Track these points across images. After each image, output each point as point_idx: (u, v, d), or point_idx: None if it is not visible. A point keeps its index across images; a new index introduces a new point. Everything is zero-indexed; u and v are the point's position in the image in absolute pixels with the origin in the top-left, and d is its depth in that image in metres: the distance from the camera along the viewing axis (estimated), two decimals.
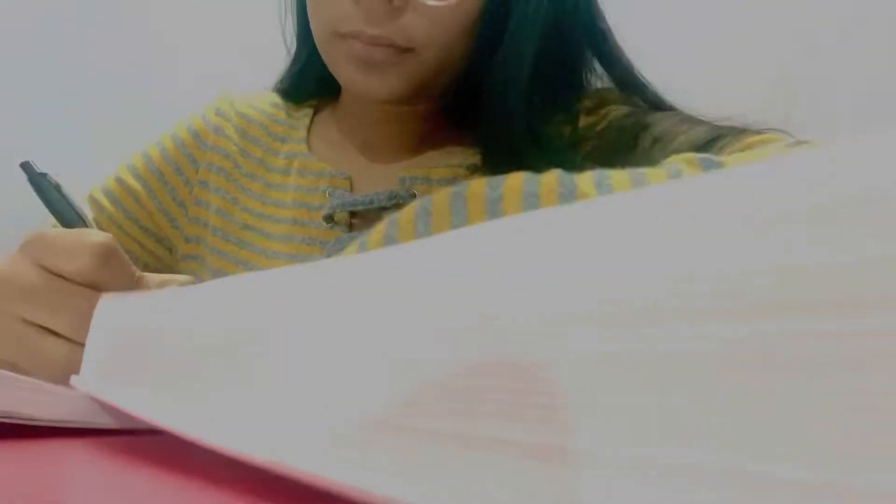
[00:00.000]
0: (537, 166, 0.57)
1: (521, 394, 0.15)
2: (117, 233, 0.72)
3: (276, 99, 0.77)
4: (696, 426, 0.12)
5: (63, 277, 0.44)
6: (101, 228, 0.68)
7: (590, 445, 0.13)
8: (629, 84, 0.68)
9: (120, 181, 0.74)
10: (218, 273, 0.70)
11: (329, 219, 0.67)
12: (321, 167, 0.70)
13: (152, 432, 0.26)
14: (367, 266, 0.21)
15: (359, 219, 0.68)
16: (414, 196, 0.66)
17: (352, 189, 0.69)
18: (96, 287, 0.43)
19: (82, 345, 0.41)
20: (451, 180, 0.66)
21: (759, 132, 0.57)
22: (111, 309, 0.36)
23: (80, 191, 0.72)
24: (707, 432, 0.12)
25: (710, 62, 1.05)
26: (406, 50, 0.59)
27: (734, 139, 0.56)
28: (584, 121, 0.67)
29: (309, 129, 0.74)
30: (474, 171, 0.68)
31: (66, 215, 0.52)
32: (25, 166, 0.52)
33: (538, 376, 0.14)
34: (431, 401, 0.16)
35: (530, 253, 0.16)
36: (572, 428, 0.14)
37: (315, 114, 0.76)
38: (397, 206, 0.65)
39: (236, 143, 0.74)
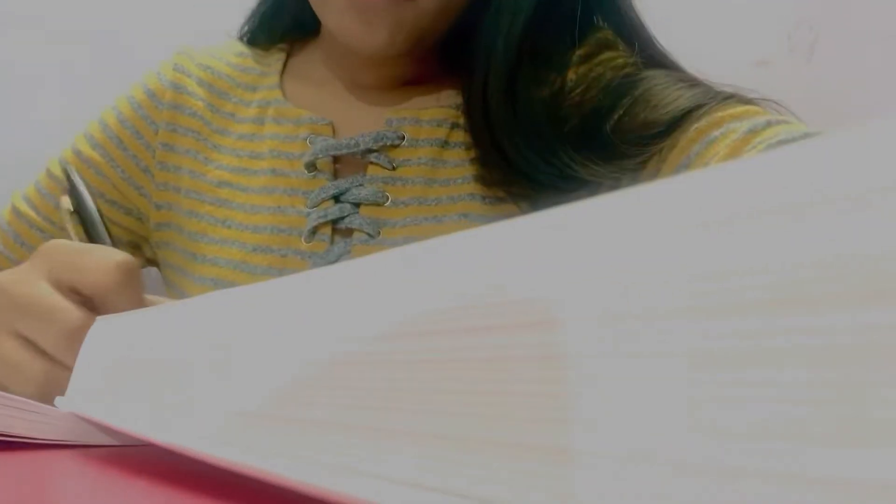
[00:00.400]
0: (510, 133, 0.59)
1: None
2: None
3: (242, 47, 0.73)
4: None
5: (76, 292, 0.42)
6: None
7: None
8: (630, 36, 0.65)
9: (77, 153, 0.70)
10: (195, 236, 0.67)
11: (311, 166, 0.64)
12: (299, 113, 0.66)
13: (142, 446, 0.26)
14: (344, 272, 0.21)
15: (342, 164, 0.65)
16: (402, 138, 0.63)
17: (334, 134, 0.65)
18: (103, 306, 0.42)
19: (62, 365, 0.40)
20: (442, 121, 0.64)
21: (746, 101, 0.57)
22: (109, 329, 0.35)
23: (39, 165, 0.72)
24: None
25: (729, 4, 1.01)
26: None
27: (716, 107, 0.55)
28: (575, 72, 0.63)
29: (282, 74, 0.70)
30: (464, 112, 0.64)
31: (97, 229, 0.51)
32: (69, 173, 0.51)
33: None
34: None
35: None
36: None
37: (288, 57, 0.71)
38: (384, 149, 0.63)
39: (202, 99, 0.70)
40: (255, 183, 0.66)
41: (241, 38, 0.74)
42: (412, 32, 0.58)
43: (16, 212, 0.70)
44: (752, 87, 0.99)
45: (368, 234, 0.61)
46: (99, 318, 0.36)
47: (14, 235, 0.69)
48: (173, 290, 0.69)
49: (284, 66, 0.70)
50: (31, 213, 0.69)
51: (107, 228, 0.52)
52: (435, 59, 0.66)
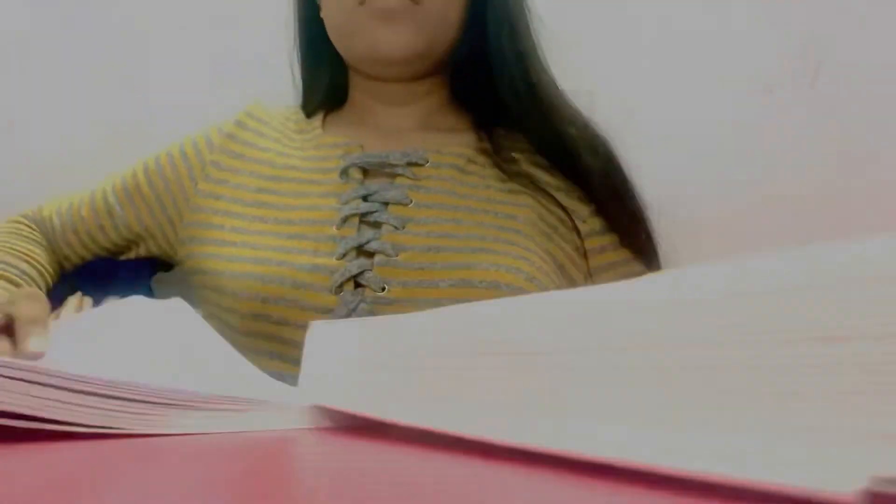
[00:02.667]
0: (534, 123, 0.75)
1: None
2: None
3: (292, 113, 0.86)
4: None
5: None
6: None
7: None
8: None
9: (135, 173, 0.83)
10: (239, 229, 0.74)
11: (344, 173, 0.74)
12: (335, 140, 0.78)
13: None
14: None
15: (370, 176, 0.74)
16: (426, 161, 0.74)
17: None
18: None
19: None
20: (459, 154, 0.76)
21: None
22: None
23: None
24: None
25: (740, 23, 1.03)
26: (415, 2, 0.71)
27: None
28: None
29: (323, 123, 0.83)
30: (480, 152, 0.77)
31: None
32: None
33: None
34: None
35: None
36: None
37: (325, 118, 0.84)
38: (409, 166, 0.74)
39: (251, 143, 0.81)
40: (291, 188, 0.75)
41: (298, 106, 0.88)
42: (423, 32, 0.73)
43: (60, 210, 0.84)
44: (758, 113, 1.01)
45: (395, 227, 0.70)
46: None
47: (51, 224, 0.84)
48: (203, 291, 0.75)
49: (323, 122, 0.83)
50: (71, 218, 0.84)
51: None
52: (446, 103, 0.81)
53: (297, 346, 0.59)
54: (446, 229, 0.70)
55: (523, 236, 0.71)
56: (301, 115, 0.85)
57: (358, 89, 0.82)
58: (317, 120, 0.83)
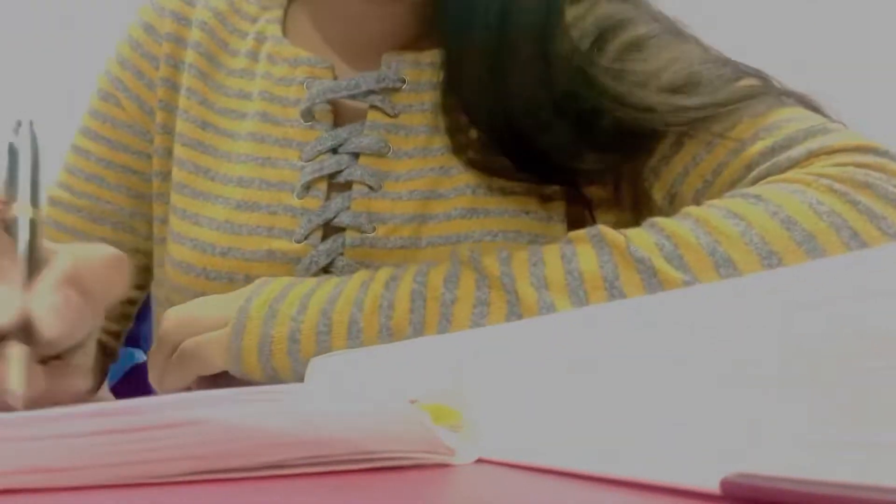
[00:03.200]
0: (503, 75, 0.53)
1: None
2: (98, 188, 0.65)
3: None
4: None
5: None
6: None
7: None
8: None
9: (92, 112, 0.66)
10: (179, 187, 0.61)
11: (308, 114, 0.59)
12: (297, 53, 0.61)
13: None
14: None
15: (341, 113, 0.59)
16: (403, 81, 0.59)
17: (334, 78, 0.60)
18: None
19: None
20: (441, 64, 0.59)
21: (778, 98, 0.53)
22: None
23: None
24: None
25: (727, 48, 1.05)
26: None
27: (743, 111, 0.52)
28: (569, 11, 0.57)
29: (285, 13, 0.65)
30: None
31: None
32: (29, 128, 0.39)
33: None
34: None
35: None
36: None
37: (288, 3, 0.66)
38: (386, 92, 0.58)
39: (204, 26, 0.64)
40: (242, 129, 0.61)
41: None
42: None
43: (52, 201, 0.66)
44: None
45: (369, 187, 0.57)
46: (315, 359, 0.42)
47: (56, 224, 0.65)
48: (163, 253, 0.63)
49: (286, 9, 0.65)
50: (66, 197, 0.66)
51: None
52: (422, 21, 0.61)
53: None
54: (432, 184, 0.57)
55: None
56: None
57: None
58: (276, 7, 0.65)
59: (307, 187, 0.57)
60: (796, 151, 0.50)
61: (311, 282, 0.52)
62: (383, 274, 0.50)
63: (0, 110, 1.10)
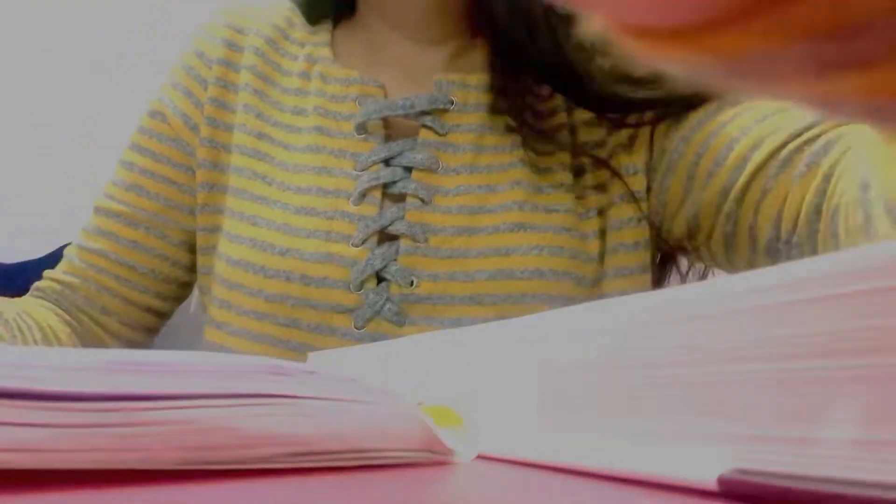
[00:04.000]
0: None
1: None
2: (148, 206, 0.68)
3: (291, 9, 0.72)
4: None
5: None
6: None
7: None
8: None
9: (140, 129, 0.70)
10: (236, 192, 0.65)
11: (362, 128, 0.63)
12: (347, 73, 0.65)
13: None
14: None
15: (393, 128, 0.64)
16: (451, 103, 0.63)
17: (385, 96, 0.65)
18: None
19: None
20: (488, 86, 0.64)
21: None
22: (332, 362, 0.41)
23: None
24: None
25: None
26: None
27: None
28: None
29: (332, 37, 0.69)
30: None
31: None
32: None
33: None
34: None
35: None
36: None
37: (333, 28, 0.70)
38: (436, 112, 0.62)
39: (256, 50, 0.68)
40: (300, 141, 0.64)
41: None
42: None
43: (95, 209, 0.70)
44: None
45: (422, 200, 0.60)
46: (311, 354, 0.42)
47: (94, 228, 0.69)
48: (209, 262, 0.66)
49: (332, 34, 0.69)
50: (108, 204, 0.69)
51: None
52: (471, 35, 0.66)
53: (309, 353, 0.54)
54: (479, 200, 0.60)
55: (564, 190, 0.61)
56: (297, 19, 0.71)
57: (367, 4, 0.68)
58: (323, 32, 0.69)
59: (363, 195, 0.60)
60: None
61: None
62: None
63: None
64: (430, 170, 0.61)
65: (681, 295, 0.23)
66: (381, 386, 0.27)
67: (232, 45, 0.68)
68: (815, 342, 0.18)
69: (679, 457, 0.21)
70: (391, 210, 0.60)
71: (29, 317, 0.62)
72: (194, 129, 0.68)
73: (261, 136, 0.65)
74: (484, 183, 0.61)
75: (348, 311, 0.58)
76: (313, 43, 0.68)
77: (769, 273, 0.21)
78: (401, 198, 0.61)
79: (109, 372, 0.21)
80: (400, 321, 0.58)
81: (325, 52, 0.67)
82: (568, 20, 0.57)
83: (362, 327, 0.59)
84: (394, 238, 0.60)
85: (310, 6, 0.70)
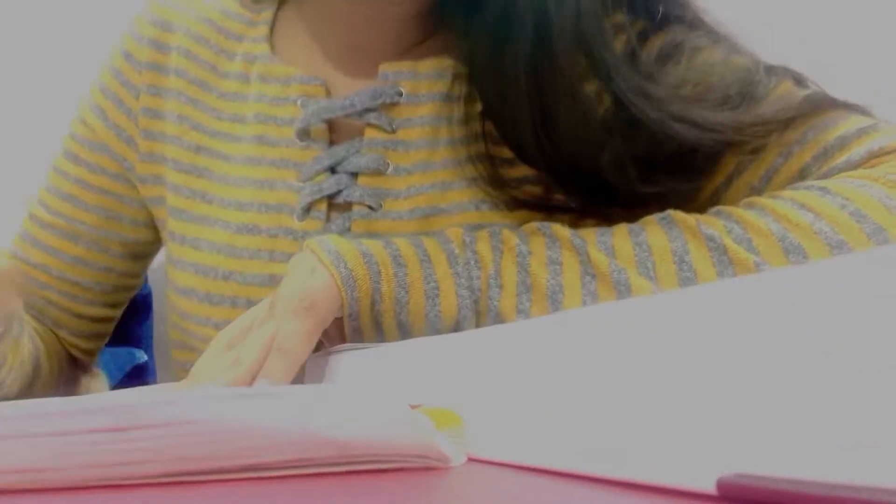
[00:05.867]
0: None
1: None
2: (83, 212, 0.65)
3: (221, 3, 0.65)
4: None
5: None
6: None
7: None
8: None
9: (72, 135, 0.66)
10: (175, 212, 0.61)
11: (304, 134, 0.58)
12: (289, 72, 0.59)
13: None
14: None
15: (337, 130, 0.58)
16: (400, 94, 0.57)
17: (328, 96, 0.59)
18: None
19: None
20: (442, 72, 0.57)
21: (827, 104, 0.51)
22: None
23: None
24: None
25: None
26: None
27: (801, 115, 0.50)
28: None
29: (271, 29, 0.63)
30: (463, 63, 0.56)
31: None
32: None
33: None
34: None
35: None
36: None
37: (277, 10, 0.63)
38: (383, 108, 0.57)
39: (184, 51, 0.63)
40: (238, 151, 0.60)
41: None
42: None
43: (31, 216, 0.67)
44: None
45: (370, 207, 0.56)
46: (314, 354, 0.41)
47: (31, 240, 0.66)
48: (168, 279, 0.63)
49: (273, 19, 0.63)
50: (43, 214, 0.66)
51: None
52: (426, 22, 0.59)
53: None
54: (433, 200, 0.56)
55: (531, 182, 0.55)
56: (232, 6, 0.64)
57: None
58: (264, 11, 0.63)
59: (307, 209, 0.56)
60: (855, 154, 0.49)
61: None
62: (455, 235, 0.49)
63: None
64: (379, 172, 0.56)
65: (678, 298, 0.23)
66: (377, 391, 0.27)
67: (159, 47, 0.63)
68: (814, 343, 0.18)
69: (678, 460, 0.21)
70: (337, 222, 0.56)
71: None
72: (129, 142, 0.64)
73: (198, 149, 0.61)
74: (438, 180, 0.56)
75: None
76: (251, 38, 0.62)
77: (769, 275, 0.21)
78: (348, 206, 0.56)
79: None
80: (358, 338, 0.53)
81: (264, 47, 0.61)
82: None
83: (318, 348, 0.54)
84: None
85: None
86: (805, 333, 0.19)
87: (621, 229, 0.48)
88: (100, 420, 0.20)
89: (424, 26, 0.59)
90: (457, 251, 0.48)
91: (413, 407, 0.32)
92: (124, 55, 0.64)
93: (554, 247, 0.47)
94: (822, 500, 0.17)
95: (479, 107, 0.56)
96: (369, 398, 0.26)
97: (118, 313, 0.71)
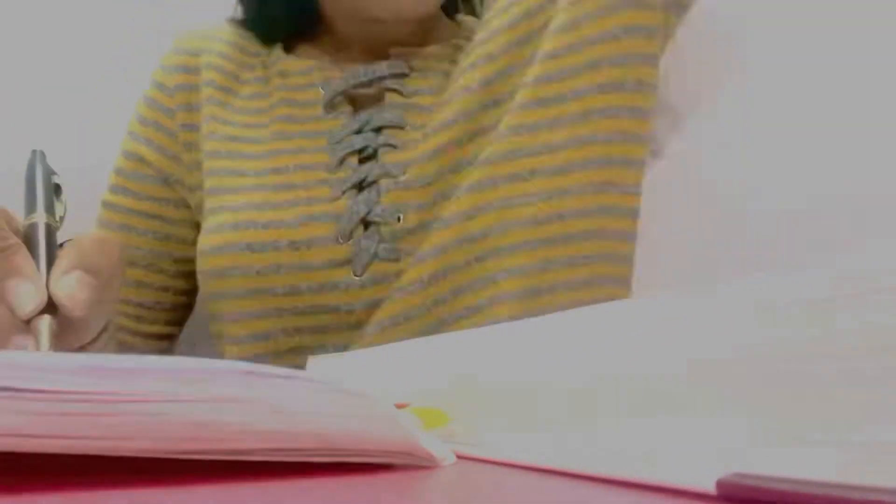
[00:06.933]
0: None
1: None
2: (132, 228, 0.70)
3: (241, 31, 0.73)
4: None
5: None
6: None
7: None
8: None
9: (118, 171, 0.71)
10: (212, 190, 0.65)
11: (330, 106, 0.65)
12: (307, 63, 0.68)
13: None
14: None
15: (359, 103, 0.66)
16: (411, 69, 0.66)
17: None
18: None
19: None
20: (441, 56, 0.67)
21: None
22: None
23: None
24: None
25: None
26: None
27: None
28: None
29: (285, 49, 0.71)
30: (457, 49, 0.67)
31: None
32: (40, 156, 0.49)
33: None
34: None
35: None
36: None
37: (286, 51, 0.71)
38: (396, 77, 0.65)
39: (212, 66, 0.69)
40: (269, 133, 0.65)
41: (240, 22, 0.73)
42: None
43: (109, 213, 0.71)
44: None
45: (393, 146, 0.62)
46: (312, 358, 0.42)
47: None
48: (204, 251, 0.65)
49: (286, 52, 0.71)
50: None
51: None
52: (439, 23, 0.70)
53: (320, 319, 0.57)
54: (450, 156, 0.61)
55: (527, 131, 0.61)
56: (246, 36, 0.72)
57: (342, 20, 0.69)
58: (276, 48, 0.71)
59: (340, 162, 0.62)
60: None
61: None
62: None
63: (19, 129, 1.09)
64: (399, 126, 0.63)
65: (675, 301, 0.23)
66: (372, 390, 0.27)
67: (188, 70, 0.70)
68: (813, 344, 0.18)
69: (677, 460, 0.20)
70: (367, 166, 0.61)
71: None
72: (174, 159, 0.69)
73: (229, 138, 0.66)
74: (453, 138, 0.61)
75: (345, 262, 0.59)
76: (268, 51, 0.70)
77: (769, 277, 0.21)
78: (374, 156, 0.62)
79: (82, 373, 0.21)
80: (395, 257, 0.60)
81: (279, 52, 0.70)
82: None
83: (362, 273, 0.59)
84: (373, 184, 0.61)
85: (263, 29, 0.71)
86: (802, 334, 0.19)
87: None
88: (81, 381, 0.21)
89: (430, 21, 0.68)
90: None
91: (401, 406, 0.32)
92: (157, 86, 0.71)
93: None
94: (822, 500, 0.17)
95: (478, 74, 0.62)
96: (352, 394, 0.26)
97: (179, 330, 0.75)
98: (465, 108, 0.62)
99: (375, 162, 0.61)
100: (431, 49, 0.67)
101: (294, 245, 0.59)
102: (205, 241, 0.63)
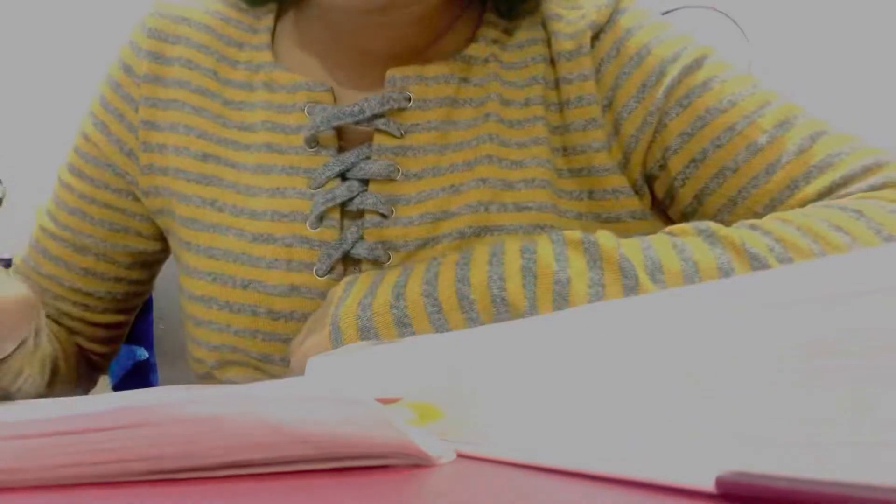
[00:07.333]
0: None
1: None
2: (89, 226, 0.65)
3: (224, 2, 0.65)
4: None
5: None
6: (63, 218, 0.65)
7: None
8: None
9: (76, 149, 0.66)
10: (186, 221, 0.60)
11: (312, 141, 0.57)
12: (294, 79, 0.59)
13: None
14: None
15: (346, 135, 0.58)
16: (408, 100, 0.57)
17: (335, 102, 0.59)
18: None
19: None
20: (449, 76, 0.58)
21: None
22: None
23: None
24: None
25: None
26: None
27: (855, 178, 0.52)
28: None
29: (273, 34, 0.63)
30: (470, 62, 0.59)
31: None
32: None
33: None
34: None
35: None
36: None
37: (277, 17, 0.63)
38: (391, 113, 0.57)
39: (183, 61, 0.62)
40: (247, 160, 0.59)
41: None
42: None
43: (41, 228, 0.68)
44: None
45: (382, 215, 0.56)
46: (312, 358, 0.42)
47: (42, 251, 0.67)
48: (183, 288, 0.63)
49: (274, 25, 0.63)
50: (52, 226, 0.67)
51: None
52: (434, 23, 0.60)
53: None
54: (442, 205, 0.56)
55: (538, 185, 0.57)
56: (232, 13, 0.63)
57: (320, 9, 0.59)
58: (265, 17, 0.63)
59: (320, 217, 0.56)
60: (855, 188, 0.51)
61: (395, 271, 0.51)
62: (481, 254, 0.49)
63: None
64: (389, 178, 0.56)
65: (678, 296, 0.23)
66: (369, 392, 0.27)
67: (158, 58, 0.62)
68: (813, 343, 0.18)
69: (677, 458, 0.20)
70: (351, 231, 0.56)
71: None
72: (131, 155, 0.63)
73: (205, 157, 0.60)
74: (448, 184, 0.56)
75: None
76: (253, 46, 0.62)
77: (770, 275, 0.21)
78: (360, 214, 0.56)
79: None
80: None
81: (267, 55, 0.61)
82: None
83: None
84: (358, 261, 0.56)
85: None
86: (804, 331, 0.19)
87: (662, 243, 0.48)
88: (71, 423, 0.21)
89: (431, 29, 0.60)
90: (474, 298, 0.47)
91: (394, 400, 0.32)
92: (124, 68, 0.64)
93: (595, 267, 0.47)
94: (822, 499, 0.17)
95: (487, 107, 0.58)
96: (340, 396, 0.26)
97: (131, 318, 0.72)
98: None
99: (360, 227, 0.56)
100: (434, 68, 0.58)
101: (273, 315, 0.56)
102: (185, 281, 0.60)
